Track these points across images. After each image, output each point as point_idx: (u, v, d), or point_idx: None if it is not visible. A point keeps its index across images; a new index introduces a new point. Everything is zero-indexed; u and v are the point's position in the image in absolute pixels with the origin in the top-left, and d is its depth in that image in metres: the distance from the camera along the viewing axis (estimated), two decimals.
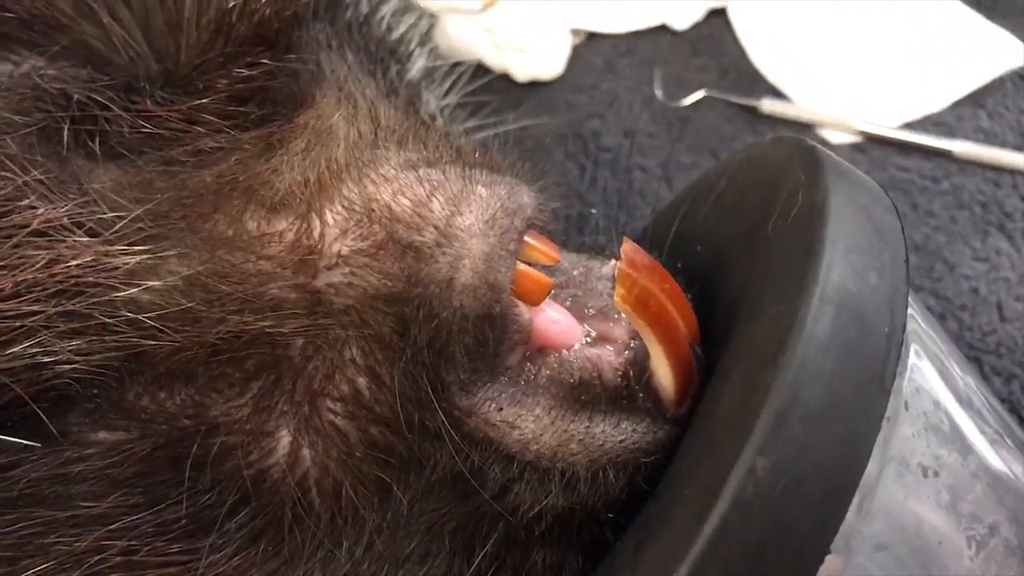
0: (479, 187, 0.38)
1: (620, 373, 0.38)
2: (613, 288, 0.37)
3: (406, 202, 0.37)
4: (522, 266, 0.38)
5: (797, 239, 0.33)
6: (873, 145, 0.72)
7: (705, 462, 0.32)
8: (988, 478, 0.35)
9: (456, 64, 0.65)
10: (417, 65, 0.58)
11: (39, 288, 0.32)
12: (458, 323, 0.36)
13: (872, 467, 0.30)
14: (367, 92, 0.44)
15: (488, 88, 0.68)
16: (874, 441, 0.30)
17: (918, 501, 0.33)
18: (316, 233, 0.37)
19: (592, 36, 0.84)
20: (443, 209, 0.37)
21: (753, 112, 0.75)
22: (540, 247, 0.39)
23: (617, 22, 0.83)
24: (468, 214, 0.37)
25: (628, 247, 0.37)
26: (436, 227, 0.36)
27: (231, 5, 0.38)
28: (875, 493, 0.31)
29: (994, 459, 0.36)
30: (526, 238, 0.39)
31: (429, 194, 0.37)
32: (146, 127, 0.37)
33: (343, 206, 0.37)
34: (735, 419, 0.30)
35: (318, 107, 0.41)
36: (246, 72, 0.39)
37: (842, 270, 0.31)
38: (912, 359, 0.35)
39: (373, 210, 0.37)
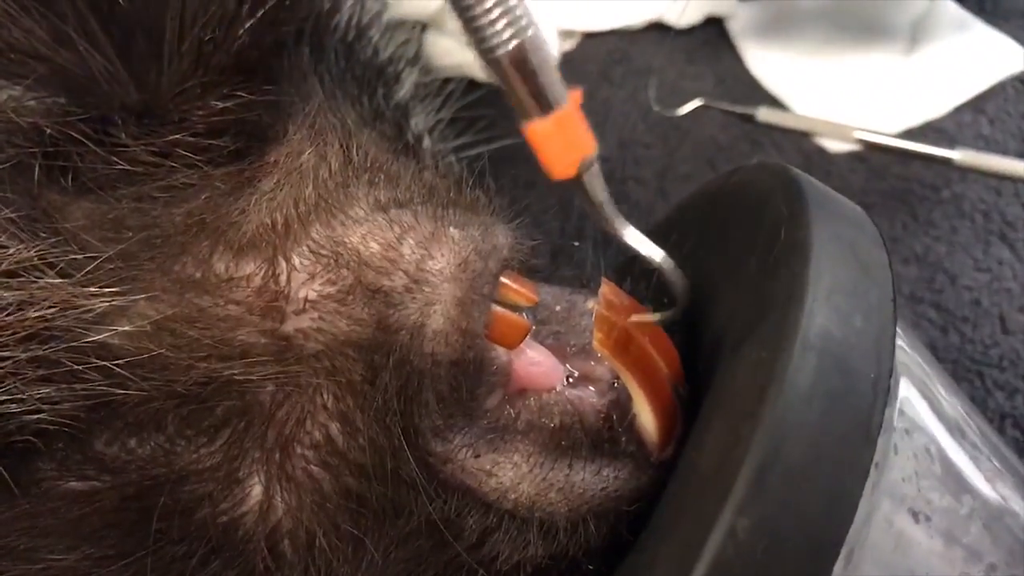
0: (451, 229, 0.37)
1: (602, 416, 0.37)
2: None
3: (375, 246, 0.36)
4: (498, 309, 0.37)
5: (779, 279, 0.32)
6: (872, 153, 0.71)
7: (685, 518, 0.31)
8: (985, 517, 0.34)
9: (447, 80, 0.64)
10: (406, 85, 0.57)
11: (9, 332, 0.32)
12: (430, 370, 0.35)
13: (860, 515, 0.29)
14: (343, 124, 0.43)
15: (481, 102, 0.68)
16: (860, 495, 0.28)
17: (909, 549, 0.32)
18: (283, 278, 0.36)
19: (585, 40, 0.83)
20: (414, 253, 0.36)
21: (750, 121, 0.74)
22: (517, 288, 0.39)
23: (608, 19, 0.83)
24: (440, 258, 0.36)
25: (606, 289, 0.37)
26: (406, 272, 0.36)
27: (210, 34, 0.37)
28: (864, 544, 0.30)
29: (991, 495, 0.35)
30: (502, 279, 0.38)
31: (399, 237, 0.37)
32: (120, 164, 0.36)
33: (311, 249, 0.37)
34: (715, 474, 0.29)
35: (290, 143, 0.40)
36: (222, 104, 0.38)
37: (825, 314, 0.30)
38: (901, 393, 0.34)
39: (341, 254, 0.36)
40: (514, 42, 0.30)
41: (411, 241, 0.37)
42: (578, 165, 0.32)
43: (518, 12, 0.30)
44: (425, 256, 0.36)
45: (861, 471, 0.29)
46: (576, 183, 0.32)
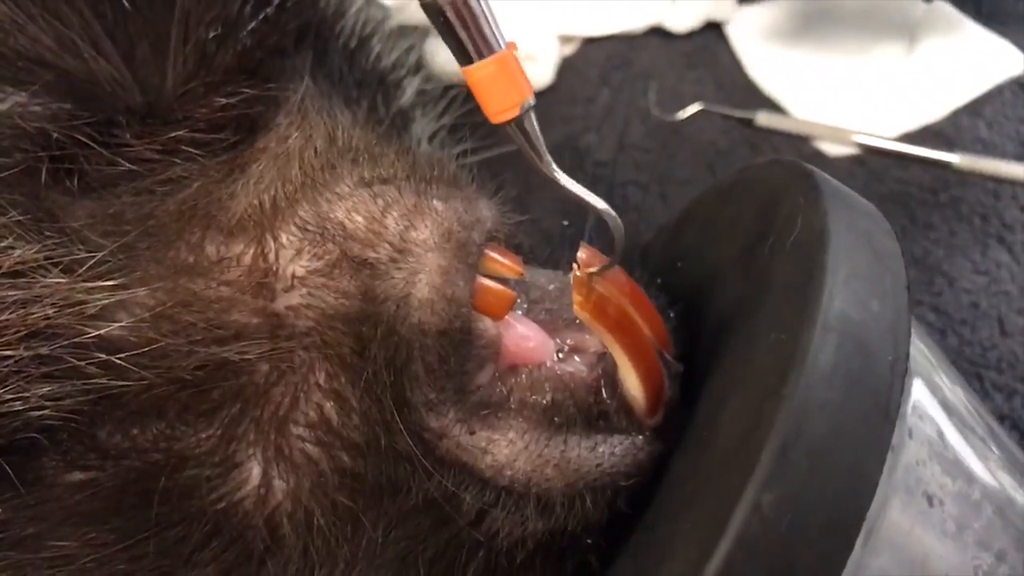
0: (434, 201, 0.37)
1: (593, 389, 0.37)
2: None
3: (359, 219, 0.37)
4: (483, 280, 0.37)
5: (796, 265, 0.33)
6: (871, 157, 0.71)
7: (706, 495, 0.31)
8: (994, 504, 0.34)
9: (449, 86, 0.64)
10: (408, 91, 0.57)
11: (12, 331, 0.32)
12: (418, 339, 0.35)
13: (877, 498, 0.29)
14: (330, 114, 0.43)
15: None
16: (880, 473, 0.29)
17: (924, 531, 0.32)
18: (271, 255, 0.36)
19: (586, 44, 0.83)
20: (397, 224, 0.37)
21: (749, 125, 0.74)
22: (502, 260, 0.39)
23: (608, 24, 0.83)
24: (423, 228, 0.36)
25: (584, 253, 0.37)
26: (390, 243, 0.36)
27: (213, 35, 0.38)
28: (881, 525, 0.30)
29: (999, 484, 0.35)
30: (488, 251, 0.38)
31: (383, 210, 0.37)
32: (124, 164, 0.37)
33: (297, 226, 0.37)
34: (737, 451, 0.29)
35: (278, 130, 0.41)
36: (225, 101, 0.39)
37: (844, 297, 0.30)
38: (915, 386, 0.34)
39: (327, 228, 0.37)
40: None
41: (395, 213, 0.37)
42: (517, 108, 0.32)
43: None
44: (409, 227, 0.36)
45: (881, 450, 0.29)
46: (515, 127, 0.32)
